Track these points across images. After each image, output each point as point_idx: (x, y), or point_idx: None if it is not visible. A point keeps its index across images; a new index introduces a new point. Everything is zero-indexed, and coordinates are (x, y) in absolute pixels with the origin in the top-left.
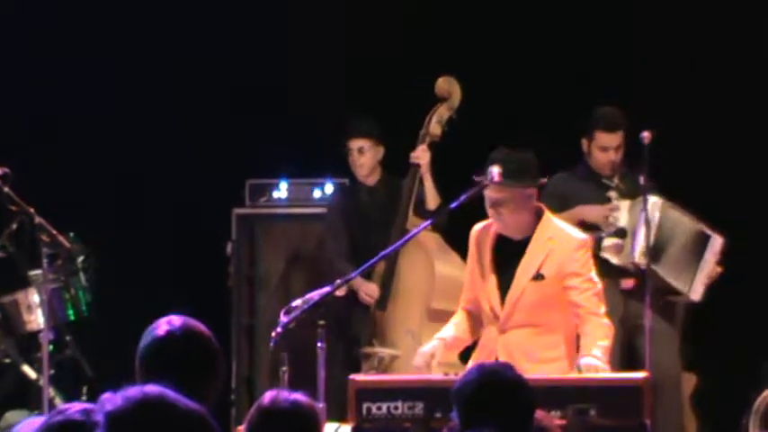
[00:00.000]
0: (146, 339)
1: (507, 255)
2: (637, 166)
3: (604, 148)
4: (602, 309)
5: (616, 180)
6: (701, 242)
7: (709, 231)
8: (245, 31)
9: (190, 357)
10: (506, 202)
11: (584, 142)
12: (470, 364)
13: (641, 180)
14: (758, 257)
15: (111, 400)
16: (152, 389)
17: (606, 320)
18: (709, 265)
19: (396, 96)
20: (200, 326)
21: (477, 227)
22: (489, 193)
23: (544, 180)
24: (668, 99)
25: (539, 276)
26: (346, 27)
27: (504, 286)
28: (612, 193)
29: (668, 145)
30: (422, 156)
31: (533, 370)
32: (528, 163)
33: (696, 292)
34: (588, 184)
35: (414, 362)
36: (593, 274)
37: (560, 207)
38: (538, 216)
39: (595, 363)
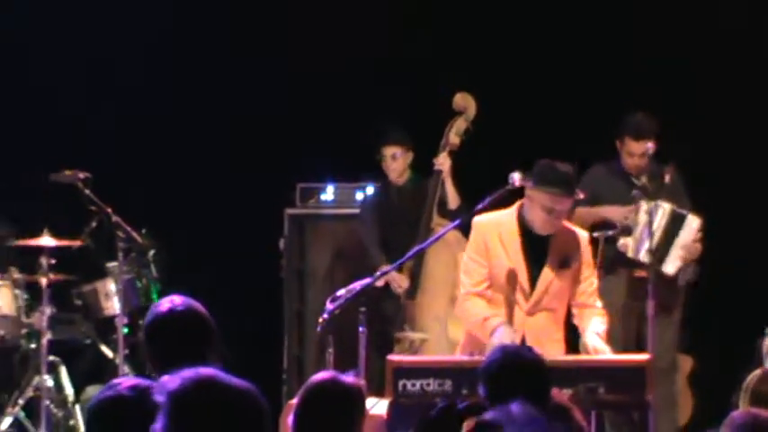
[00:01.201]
0: (150, 315)
1: (534, 248)
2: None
3: (630, 153)
4: (599, 301)
5: (643, 179)
6: (678, 221)
7: (684, 212)
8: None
9: (188, 331)
10: (564, 211)
11: (618, 142)
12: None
13: (667, 178)
14: (757, 251)
15: (171, 381)
16: (206, 370)
17: (602, 310)
18: (683, 242)
19: (423, 107)
20: (197, 304)
21: (483, 220)
22: (553, 205)
23: (582, 194)
24: (669, 110)
25: (567, 265)
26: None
27: (534, 274)
28: (637, 192)
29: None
30: (444, 162)
31: (551, 347)
32: (574, 176)
33: (669, 266)
34: (618, 179)
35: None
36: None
37: (591, 198)
38: None
39: (602, 347)
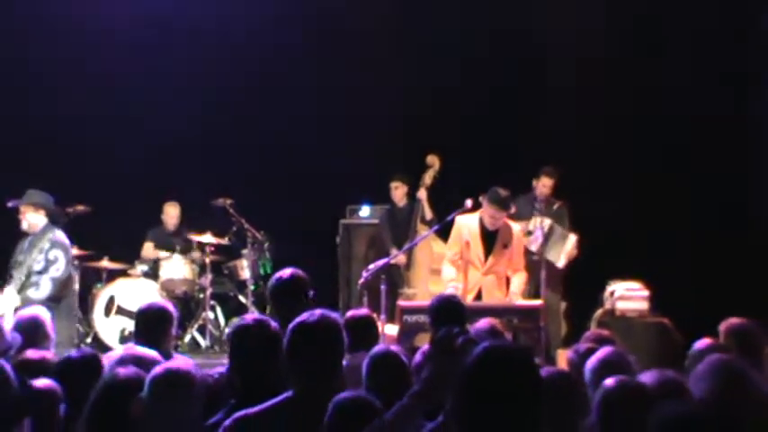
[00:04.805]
0: (273, 281)
1: (487, 237)
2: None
3: (544, 185)
4: (522, 266)
5: (542, 205)
6: (564, 239)
7: (568, 233)
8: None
9: (296, 291)
10: (502, 218)
11: (534, 180)
12: (455, 292)
13: (555, 207)
14: (607, 242)
15: (308, 314)
16: (320, 310)
17: (524, 274)
18: (567, 250)
19: (420, 157)
20: (301, 273)
21: (460, 220)
22: (494, 215)
23: (514, 208)
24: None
25: (507, 246)
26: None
27: (487, 251)
28: (536, 212)
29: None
30: (422, 195)
31: (499, 294)
32: (510, 199)
33: (561, 263)
34: (528, 204)
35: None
36: (523, 248)
37: (518, 217)
38: None
39: (517, 296)
